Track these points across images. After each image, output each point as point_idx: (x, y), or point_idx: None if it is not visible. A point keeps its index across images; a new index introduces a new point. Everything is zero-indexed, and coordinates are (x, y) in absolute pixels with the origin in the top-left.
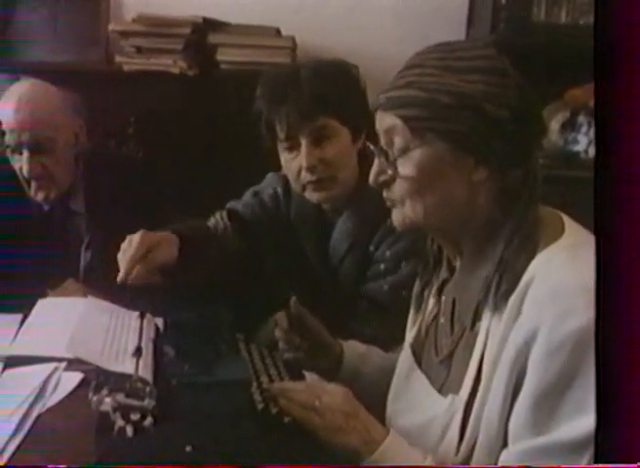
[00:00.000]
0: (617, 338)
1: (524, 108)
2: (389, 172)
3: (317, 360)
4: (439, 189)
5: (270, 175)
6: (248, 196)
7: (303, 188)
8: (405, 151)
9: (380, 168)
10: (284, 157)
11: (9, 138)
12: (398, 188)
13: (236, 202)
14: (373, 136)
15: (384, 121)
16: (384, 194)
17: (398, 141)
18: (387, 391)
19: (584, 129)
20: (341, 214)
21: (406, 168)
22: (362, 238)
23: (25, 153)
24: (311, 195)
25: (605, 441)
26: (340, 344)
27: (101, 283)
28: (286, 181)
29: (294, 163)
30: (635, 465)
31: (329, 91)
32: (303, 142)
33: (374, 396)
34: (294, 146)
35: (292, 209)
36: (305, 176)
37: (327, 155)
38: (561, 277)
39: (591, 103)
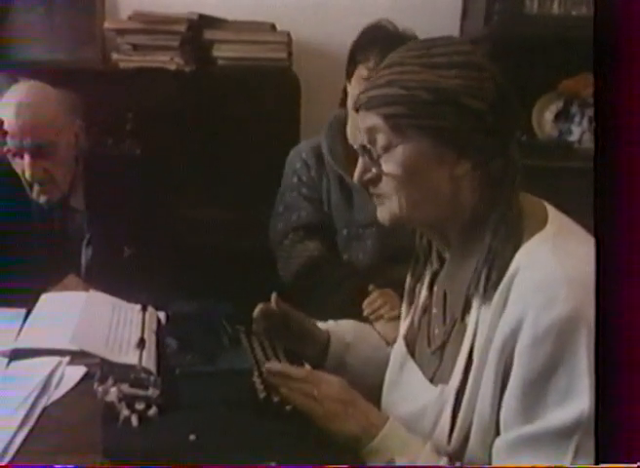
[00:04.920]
0: (618, 336)
1: (500, 100)
2: (374, 170)
3: (303, 349)
4: (423, 184)
5: (292, 153)
6: (293, 188)
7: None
8: (388, 149)
9: (364, 166)
10: (358, 80)
11: (10, 143)
12: (384, 185)
13: (295, 213)
14: None
15: (366, 120)
16: (371, 191)
17: (381, 139)
18: (376, 382)
19: (578, 119)
20: None
21: (390, 165)
22: None
23: (27, 157)
24: None
25: (605, 441)
26: (327, 333)
27: (102, 278)
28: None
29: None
30: (635, 465)
31: None
32: None
33: (360, 386)
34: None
35: (325, 154)
36: None
37: None
38: (544, 268)
39: (585, 94)
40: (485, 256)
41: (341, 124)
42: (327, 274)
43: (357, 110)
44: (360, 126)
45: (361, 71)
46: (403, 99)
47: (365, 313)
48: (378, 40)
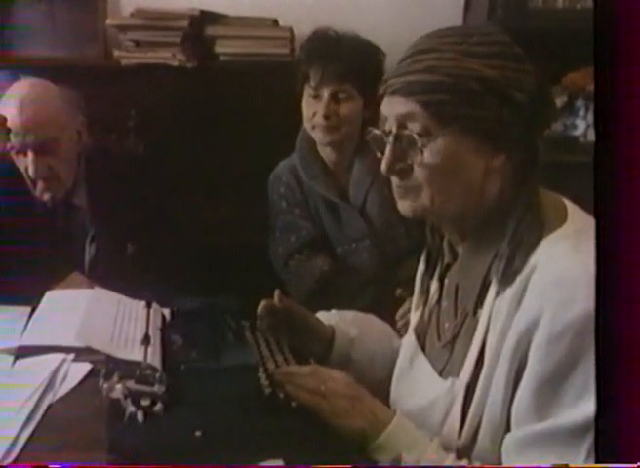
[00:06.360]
0: (618, 336)
1: (539, 92)
2: (407, 160)
3: (307, 344)
4: (458, 176)
5: (272, 178)
6: (286, 219)
7: (313, 127)
8: (425, 138)
9: (395, 155)
10: (307, 99)
11: (13, 140)
12: (416, 176)
13: (293, 234)
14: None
15: (399, 107)
16: (397, 182)
17: (415, 128)
18: (382, 377)
19: (582, 113)
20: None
21: (427, 155)
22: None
23: (30, 155)
24: (318, 135)
25: (605, 441)
26: (331, 329)
27: (106, 275)
28: (288, 170)
29: (314, 106)
30: (635, 465)
31: (360, 65)
32: (326, 95)
33: (367, 381)
34: (318, 95)
35: (303, 177)
36: (319, 119)
37: (340, 112)
38: (564, 265)
39: (589, 88)
40: (509, 241)
41: (310, 141)
42: (343, 285)
43: (384, 95)
44: (387, 112)
45: (308, 91)
46: (448, 88)
47: (399, 324)
48: (315, 53)
